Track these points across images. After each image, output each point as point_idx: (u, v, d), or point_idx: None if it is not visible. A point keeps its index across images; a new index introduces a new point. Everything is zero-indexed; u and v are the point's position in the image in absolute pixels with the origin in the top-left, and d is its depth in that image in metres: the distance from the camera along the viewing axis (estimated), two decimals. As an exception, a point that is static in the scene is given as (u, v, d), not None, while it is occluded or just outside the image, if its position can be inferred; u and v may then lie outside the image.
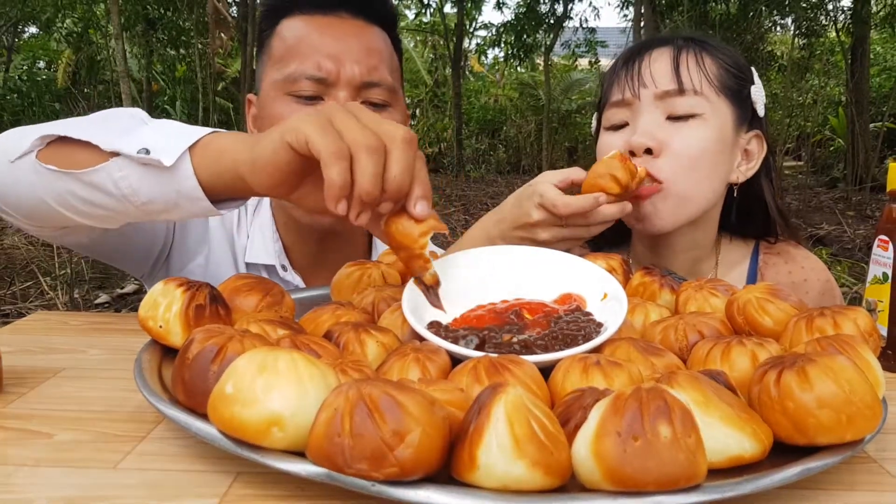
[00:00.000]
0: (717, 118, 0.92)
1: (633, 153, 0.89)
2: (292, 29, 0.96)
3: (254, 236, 1.05)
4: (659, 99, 0.91)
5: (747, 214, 1.02)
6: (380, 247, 1.12)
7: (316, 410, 0.41)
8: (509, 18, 10.61)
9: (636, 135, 0.89)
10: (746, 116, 0.96)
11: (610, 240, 1.08)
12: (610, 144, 0.94)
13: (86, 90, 11.71)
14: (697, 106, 0.90)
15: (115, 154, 0.67)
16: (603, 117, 0.98)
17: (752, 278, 1.02)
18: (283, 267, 1.04)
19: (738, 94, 0.94)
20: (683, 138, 0.89)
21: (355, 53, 0.93)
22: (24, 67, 11.84)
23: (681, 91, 0.90)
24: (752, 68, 1.00)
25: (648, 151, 0.89)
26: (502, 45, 10.88)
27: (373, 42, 0.97)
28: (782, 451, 0.43)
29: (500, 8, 10.90)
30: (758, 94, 0.97)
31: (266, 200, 1.09)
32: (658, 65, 0.93)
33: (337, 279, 0.76)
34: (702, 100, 0.91)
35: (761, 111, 0.98)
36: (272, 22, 0.98)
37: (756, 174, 0.98)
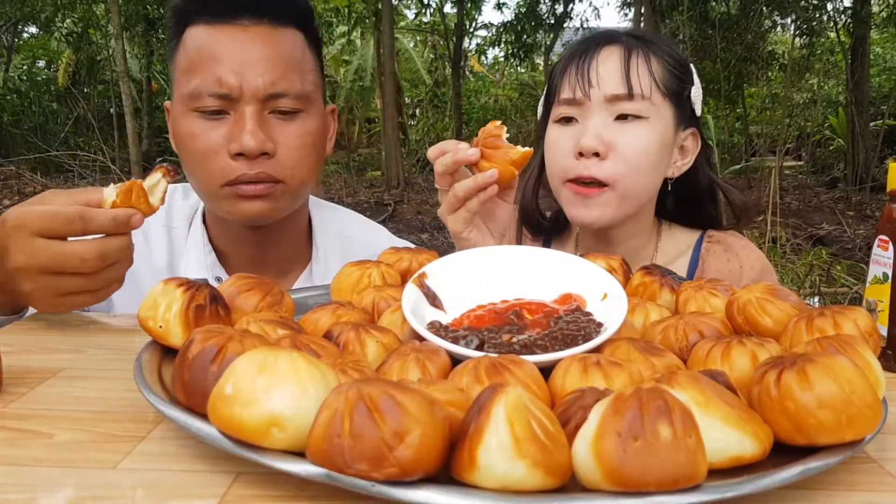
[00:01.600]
0: (660, 121, 0.98)
1: (581, 154, 0.95)
2: (195, 39, 0.93)
3: (189, 252, 1.05)
4: (608, 102, 0.96)
5: (687, 205, 1.10)
6: (320, 240, 1.11)
7: (316, 410, 0.41)
8: (509, 18, 10.61)
9: (586, 137, 0.95)
10: (685, 116, 1.03)
11: (555, 228, 1.15)
12: (558, 140, 1.00)
13: (85, 90, 11.71)
14: (644, 110, 0.96)
15: None
16: (553, 110, 1.02)
17: (694, 265, 1.08)
18: (218, 279, 1.02)
19: (679, 96, 1.00)
20: (629, 141, 0.95)
21: (258, 64, 0.91)
22: (24, 67, 11.84)
23: (630, 96, 0.95)
24: (692, 67, 1.06)
25: (596, 154, 0.94)
26: (502, 45, 10.89)
27: (279, 48, 0.93)
28: (782, 452, 0.43)
29: (500, 8, 10.91)
30: (696, 94, 1.04)
31: (198, 215, 1.08)
32: (608, 66, 0.97)
33: (336, 279, 0.76)
34: (648, 104, 0.96)
35: (699, 111, 1.05)
36: (179, 29, 0.95)
37: (694, 168, 1.06)
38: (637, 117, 0.96)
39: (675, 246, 1.10)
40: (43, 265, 0.71)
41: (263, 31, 0.93)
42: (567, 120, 0.99)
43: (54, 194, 0.75)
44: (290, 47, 0.94)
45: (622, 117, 0.96)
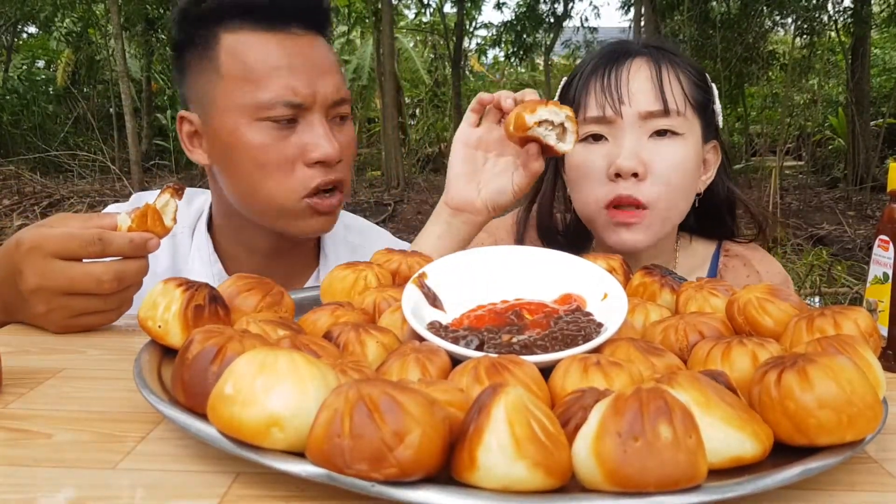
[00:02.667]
0: (692, 136, 0.95)
1: (618, 175, 0.91)
2: (249, 46, 0.91)
3: (194, 260, 1.04)
4: (642, 119, 0.92)
5: (706, 217, 1.07)
6: (329, 247, 1.10)
7: (316, 411, 0.41)
8: (509, 18, 10.61)
9: (623, 158, 0.90)
10: (710, 129, 1.00)
11: (572, 242, 1.09)
12: (587, 161, 0.94)
13: (85, 90, 11.70)
14: (679, 126, 0.93)
15: None
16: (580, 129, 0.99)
17: (712, 276, 1.06)
18: None
19: (706, 109, 0.98)
20: (666, 160, 0.92)
21: (321, 72, 0.92)
22: (24, 67, 11.84)
23: (666, 112, 0.92)
24: (707, 77, 1.03)
25: (634, 174, 0.90)
26: (502, 44, 10.88)
27: (328, 56, 0.95)
28: (783, 452, 0.43)
29: (499, 8, 10.90)
30: (719, 106, 1.02)
31: (202, 223, 1.06)
32: (639, 82, 0.93)
33: (328, 282, 0.74)
34: (682, 119, 0.93)
35: (720, 123, 1.03)
36: (206, 31, 0.93)
37: (716, 179, 1.03)
38: (673, 133, 0.92)
39: (693, 259, 1.07)
40: (60, 286, 0.72)
41: (310, 40, 0.94)
42: (596, 138, 0.94)
43: (68, 217, 0.76)
44: (333, 55, 0.97)
45: (658, 133, 0.92)
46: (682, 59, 0.98)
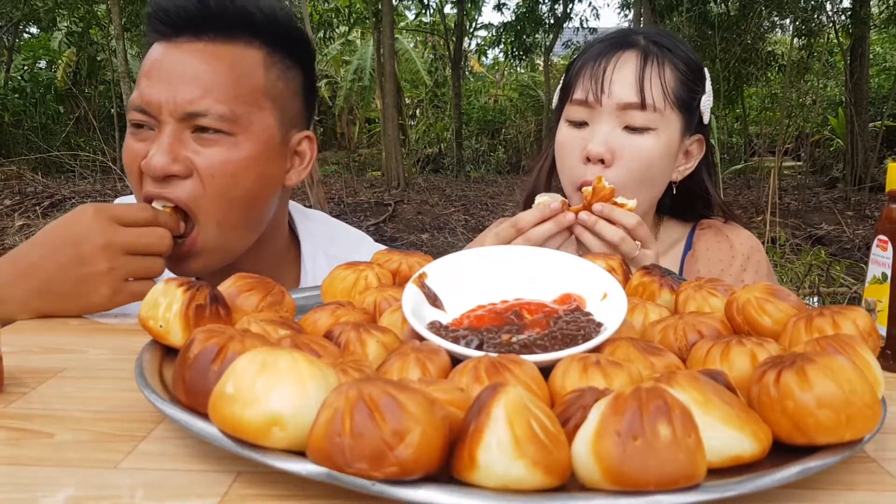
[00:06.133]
0: (667, 131, 0.99)
1: (588, 158, 0.97)
2: (146, 56, 0.91)
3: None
4: (619, 109, 0.97)
5: (682, 205, 1.14)
6: (308, 262, 1.06)
7: (316, 410, 0.41)
8: (509, 19, 10.62)
9: (593, 143, 0.96)
10: (693, 124, 1.04)
11: None
12: (568, 142, 1.01)
13: (86, 90, 11.71)
14: (653, 121, 0.97)
15: None
16: (566, 109, 1.03)
17: (687, 249, 1.12)
18: None
19: (689, 106, 1.01)
20: (635, 150, 0.97)
21: (179, 82, 0.86)
22: (25, 68, 11.84)
23: (642, 106, 0.96)
24: (706, 72, 1.07)
25: (601, 160, 0.96)
26: (502, 45, 10.89)
27: (212, 65, 0.87)
28: (782, 451, 0.43)
29: (499, 8, 10.91)
30: (707, 103, 1.05)
31: None
32: (623, 74, 0.98)
33: (328, 282, 0.74)
34: (658, 115, 0.97)
35: (707, 119, 1.06)
36: (149, 47, 0.93)
37: (697, 170, 1.08)
38: (645, 129, 0.97)
39: (671, 237, 1.14)
40: (125, 243, 0.82)
41: (197, 48, 0.88)
42: (580, 124, 1.01)
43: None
44: (227, 64, 0.88)
45: (631, 129, 0.97)
46: (679, 54, 1.01)
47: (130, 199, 1.13)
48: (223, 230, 0.90)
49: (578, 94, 1.00)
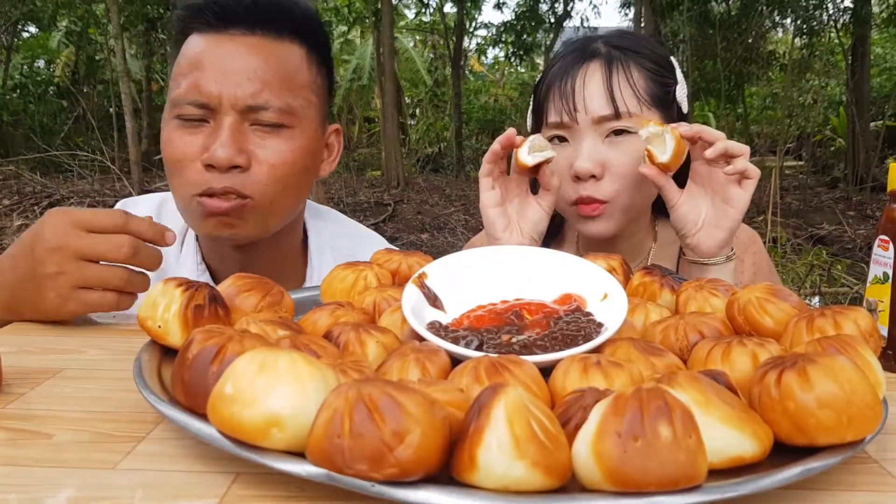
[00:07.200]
0: None
1: (578, 177, 0.97)
2: (188, 47, 0.91)
3: (182, 268, 1.03)
4: (596, 123, 0.97)
5: None
6: (315, 258, 1.08)
7: (316, 411, 0.40)
8: (509, 18, 10.62)
9: (581, 161, 0.96)
10: (673, 116, 1.03)
11: (552, 230, 1.13)
12: (556, 161, 0.99)
13: (85, 90, 11.71)
14: (633, 125, 0.97)
15: None
16: (543, 132, 1.03)
17: None
18: None
19: (664, 101, 1.01)
20: (622, 159, 0.97)
21: (239, 74, 0.88)
22: (24, 67, 11.84)
23: (616, 116, 0.96)
24: (674, 61, 1.05)
25: (592, 175, 0.96)
26: (502, 44, 10.89)
27: (267, 59, 0.90)
28: (783, 452, 0.43)
29: (500, 8, 10.91)
30: (682, 92, 1.04)
31: (191, 232, 1.05)
32: (591, 88, 0.98)
33: (328, 282, 0.74)
34: (636, 119, 0.97)
35: (686, 108, 1.05)
36: (179, 39, 0.94)
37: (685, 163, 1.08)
38: (628, 132, 0.97)
39: (669, 235, 1.14)
40: (77, 248, 0.75)
41: (252, 42, 0.90)
42: (560, 139, 1.01)
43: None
44: (280, 60, 0.91)
45: (615, 133, 0.97)
46: (643, 52, 1.00)
47: (137, 199, 1.13)
48: (270, 217, 0.94)
49: (553, 118, 1.00)
